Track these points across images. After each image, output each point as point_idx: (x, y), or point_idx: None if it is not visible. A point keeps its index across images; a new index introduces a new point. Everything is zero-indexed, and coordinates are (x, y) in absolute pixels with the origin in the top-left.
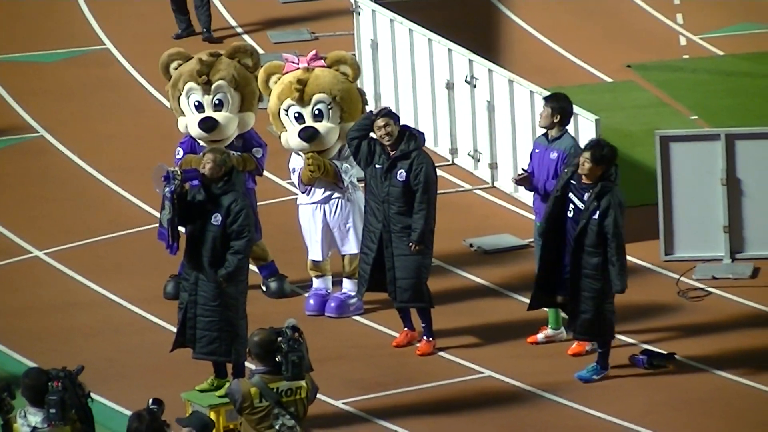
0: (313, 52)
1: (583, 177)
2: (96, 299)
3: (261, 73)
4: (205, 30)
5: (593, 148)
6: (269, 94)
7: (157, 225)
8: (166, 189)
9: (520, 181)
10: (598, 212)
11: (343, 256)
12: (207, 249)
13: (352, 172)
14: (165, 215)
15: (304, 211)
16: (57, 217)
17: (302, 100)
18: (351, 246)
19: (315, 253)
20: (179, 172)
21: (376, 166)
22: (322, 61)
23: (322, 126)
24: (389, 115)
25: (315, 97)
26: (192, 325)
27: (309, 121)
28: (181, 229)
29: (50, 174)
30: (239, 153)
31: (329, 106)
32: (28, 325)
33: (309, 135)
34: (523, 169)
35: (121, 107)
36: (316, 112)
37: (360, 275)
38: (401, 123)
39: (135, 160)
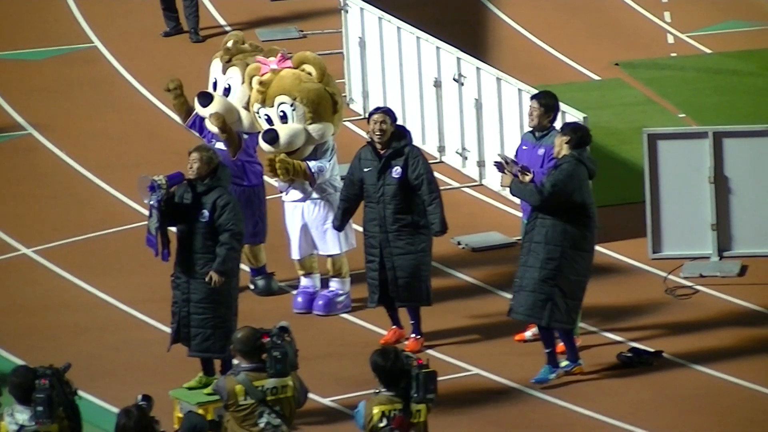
0: (281, 53)
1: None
2: (84, 297)
3: (245, 78)
4: (192, 31)
5: (563, 129)
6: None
7: (145, 228)
8: (153, 199)
9: (500, 167)
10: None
11: (327, 257)
12: (198, 247)
13: (328, 169)
14: (153, 224)
15: (287, 208)
16: (45, 214)
17: (266, 103)
18: (329, 247)
19: (293, 251)
20: (164, 181)
21: (365, 170)
22: (289, 62)
23: (284, 128)
24: (388, 112)
25: (277, 99)
26: (186, 323)
27: (276, 122)
28: (172, 229)
29: (38, 172)
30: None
31: (292, 108)
32: (15, 322)
33: (270, 138)
34: (499, 155)
35: (109, 105)
36: (281, 114)
37: (369, 282)
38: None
39: (123, 157)
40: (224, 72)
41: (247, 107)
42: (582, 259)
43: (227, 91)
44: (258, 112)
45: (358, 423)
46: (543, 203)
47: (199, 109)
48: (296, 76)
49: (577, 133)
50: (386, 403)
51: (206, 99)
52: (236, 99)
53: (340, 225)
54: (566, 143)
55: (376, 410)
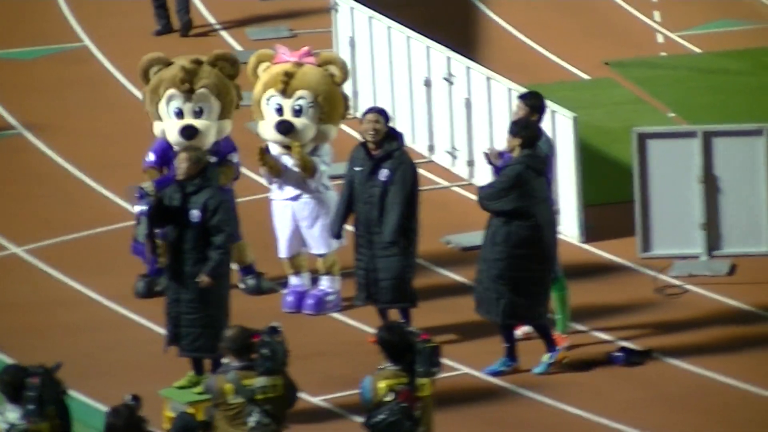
0: (306, 48)
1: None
2: (75, 296)
3: (252, 60)
4: (183, 26)
5: (513, 129)
6: (257, 81)
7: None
8: (144, 207)
9: (489, 157)
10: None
11: (318, 256)
12: (188, 248)
13: (324, 170)
14: (141, 231)
15: (276, 206)
16: (36, 213)
17: (285, 93)
18: (320, 246)
19: (281, 249)
20: (152, 187)
21: (356, 168)
22: (313, 58)
23: (299, 122)
24: (381, 113)
25: (298, 93)
26: (176, 323)
27: (288, 115)
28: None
29: (29, 171)
30: (216, 162)
31: (310, 104)
32: (6, 321)
33: (284, 129)
34: (489, 148)
35: (99, 104)
36: (297, 107)
37: (357, 282)
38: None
39: (114, 156)
40: (189, 99)
41: (220, 117)
42: (533, 255)
43: (198, 114)
44: (269, 100)
45: (364, 398)
46: (485, 205)
47: (181, 142)
48: (321, 74)
49: (527, 131)
50: (392, 377)
51: (191, 131)
52: (212, 119)
53: (338, 232)
54: (519, 145)
55: (382, 384)
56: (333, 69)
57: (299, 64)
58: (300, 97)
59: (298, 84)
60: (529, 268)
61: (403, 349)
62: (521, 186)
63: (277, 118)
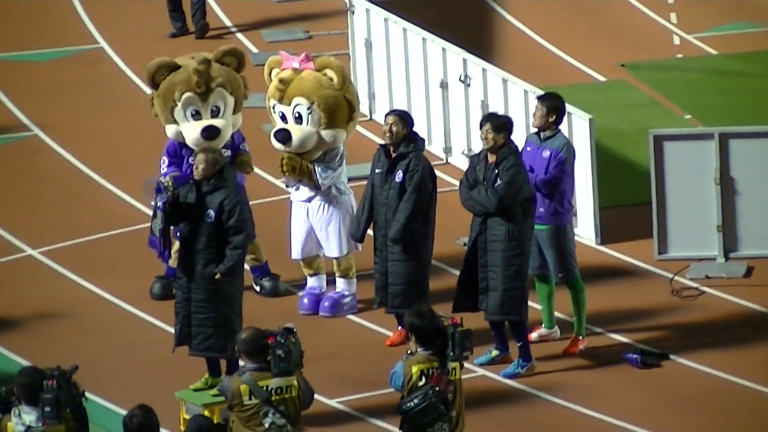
0: (304, 54)
1: (488, 155)
2: (89, 298)
3: (266, 67)
4: (199, 29)
5: (491, 119)
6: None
7: (148, 229)
8: (160, 201)
9: None
10: (498, 178)
11: (333, 259)
12: (201, 248)
13: (335, 175)
14: (157, 225)
15: (293, 207)
16: (50, 215)
17: (282, 101)
18: (333, 249)
19: (294, 251)
20: (171, 182)
21: (375, 171)
22: (312, 63)
23: (297, 129)
24: (402, 116)
25: (294, 100)
26: (187, 323)
27: (291, 122)
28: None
29: (44, 172)
30: (229, 154)
31: (309, 111)
32: (20, 323)
33: (281, 138)
34: None
35: (114, 106)
36: (296, 114)
37: (376, 286)
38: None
39: (128, 158)
40: (205, 100)
41: (234, 112)
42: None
43: (215, 113)
44: (273, 108)
45: (395, 384)
46: (509, 203)
47: (202, 143)
48: (317, 79)
49: (510, 122)
50: (424, 361)
51: (213, 131)
52: (228, 115)
53: (361, 236)
54: (504, 138)
55: (415, 369)
56: (330, 73)
57: (298, 71)
58: (297, 104)
59: (293, 92)
60: (527, 258)
61: (434, 333)
62: (524, 173)
63: (278, 127)
